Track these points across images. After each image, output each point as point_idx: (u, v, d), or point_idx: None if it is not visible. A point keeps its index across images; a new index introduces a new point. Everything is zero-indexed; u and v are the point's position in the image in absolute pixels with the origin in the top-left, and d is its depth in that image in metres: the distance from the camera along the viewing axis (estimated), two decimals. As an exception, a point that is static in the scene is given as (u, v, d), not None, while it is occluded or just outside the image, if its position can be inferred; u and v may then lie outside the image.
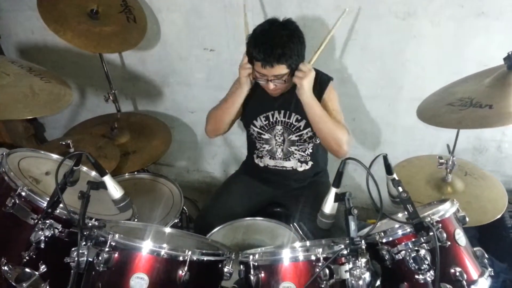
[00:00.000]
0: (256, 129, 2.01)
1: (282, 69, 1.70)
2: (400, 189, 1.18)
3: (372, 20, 2.17)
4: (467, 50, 2.12)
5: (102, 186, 1.25)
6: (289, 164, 2.04)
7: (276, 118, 1.96)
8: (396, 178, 1.22)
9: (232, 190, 2.11)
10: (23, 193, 1.32)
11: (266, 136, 2.01)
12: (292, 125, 1.96)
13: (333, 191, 1.19)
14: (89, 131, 2.40)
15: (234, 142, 2.92)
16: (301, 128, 1.95)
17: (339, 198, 1.17)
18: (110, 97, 2.48)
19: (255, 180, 2.12)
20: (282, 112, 1.95)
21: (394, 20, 2.13)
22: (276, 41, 1.67)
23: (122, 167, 2.14)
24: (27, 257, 1.27)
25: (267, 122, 1.98)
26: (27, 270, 1.20)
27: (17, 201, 1.31)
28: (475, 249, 1.30)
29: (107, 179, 1.26)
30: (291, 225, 1.81)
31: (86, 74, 2.91)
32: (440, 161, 1.70)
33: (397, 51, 2.23)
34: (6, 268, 1.21)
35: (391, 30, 2.17)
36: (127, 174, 2.15)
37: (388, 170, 1.22)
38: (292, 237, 1.74)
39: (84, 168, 1.73)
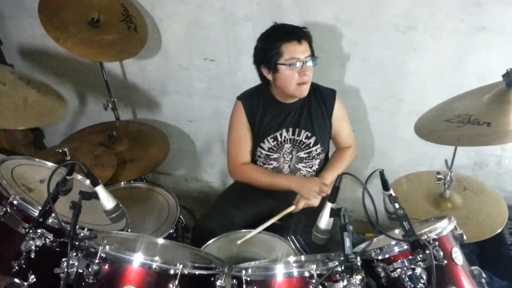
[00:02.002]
0: (264, 152, 1.98)
1: (308, 49, 1.77)
2: (397, 205, 1.16)
3: (373, 32, 2.17)
4: (467, 64, 2.11)
5: (94, 196, 1.23)
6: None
7: (284, 137, 1.94)
8: (393, 194, 1.20)
9: (231, 200, 2.07)
10: (15, 202, 1.31)
11: (275, 155, 1.98)
12: (302, 142, 1.94)
13: (328, 206, 1.17)
14: (86, 139, 2.40)
15: (233, 152, 2.90)
16: (311, 145, 1.94)
17: (334, 213, 1.15)
18: (109, 105, 2.47)
19: (256, 192, 2.07)
20: (291, 130, 1.93)
21: (395, 33, 2.13)
22: (289, 24, 1.82)
23: (118, 175, 2.13)
24: (16, 267, 1.25)
25: (275, 142, 1.95)
26: (16, 280, 1.18)
27: (9, 210, 1.30)
28: (472, 268, 1.28)
29: (100, 189, 1.24)
30: (287, 238, 1.79)
31: (86, 82, 2.92)
32: (438, 176, 1.68)
33: (398, 63, 2.22)
34: (-6, 278, 1.19)
35: (391, 42, 2.16)
36: (123, 182, 2.13)
37: (385, 185, 1.20)
38: (287, 251, 1.71)
39: (79, 177, 1.72)
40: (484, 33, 2.01)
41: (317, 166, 1.99)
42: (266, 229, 1.85)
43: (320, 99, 1.93)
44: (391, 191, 1.20)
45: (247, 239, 1.76)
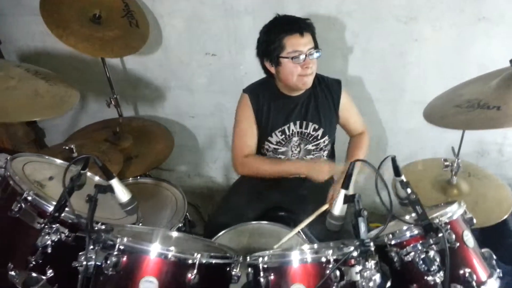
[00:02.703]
0: (272, 146, 1.98)
1: (311, 41, 1.76)
2: (409, 190, 1.18)
3: (374, 23, 2.19)
4: (468, 54, 2.13)
5: (110, 189, 1.24)
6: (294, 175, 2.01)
7: (292, 130, 1.94)
8: (404, 180, 1.22)
9: (241, 194, 2.08)
10: (29, 198, 1.31)
11: (283, 149, 1.98)
12: (309, 135, 1.94)
13: (342, 192, 1.19)
14: (91, 136, 2.40)
15: (236, 146, 2.91)
16: (319, 137, 1.94)
17: (348, 199, 1.17)
18: (112, 101, 2.47)
19: (265, 185, 2.07)
20: (298, 123, 1.93)
21: (395, 24, 2.15)
22: (292, 16, 1.79)
23: (125, 171, 2.14)
24: (33, 262, 1.25)
25: (283, 136, 1.95)
26: (34, 274, 1.19)
27: (23, 206, 1.30)
28: (483, 250, 1.31)
29: (115, 183, 1.25)
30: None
31: (86, 80, 2.91)
32: (445, 163, 1.71)
33: (399, 54, 2.25)
34: (13, 273, 1.20)
35: (392, 33, 2.19)
36: (130, 178, 2.14)
37: (396, 171, 1.22)
38: (298, 241, 1.73)
39: (88, 173, 1.72)
40: (484, 23, 2.04)
41: (325, 158, 2.01)
42: (275, 220, 1.87)
43: (326, 91, 1.94)
44: (403, 177, 1.22)
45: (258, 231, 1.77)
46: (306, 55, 1.73)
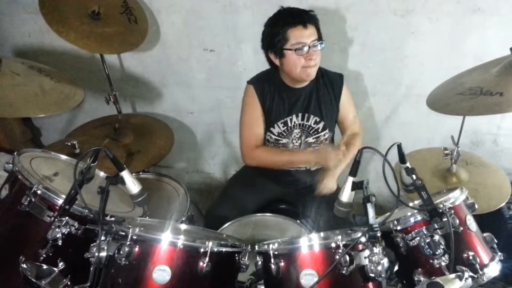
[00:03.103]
0: (274, 136, 2.00)
1: (314, 33, 1.77)
2: (414, 176, 1.21)
3: (371, 16, 2.22)
4: (464, 45, 2.18)
5: (121, 181, 1.26)
6: (303, 165, 2.04)
7: (294, 122, 1.96)
8: (410, 167, 1.25)
9: (240, 187, 2.11)
10: (39, 191, 1.32)
11: (284, 141, 2.00)
12: (311, 127, 1.97)
13: (350, 180, 1.22)
14: (91, 133, 2.40)
15: (235, 142, 2.93)
16: (319, 130, 1.97)
17: (356, 186, 1.20)
18: (111, 98, 2.47)
19: (265, 177, 2.10)
20: (300, 115, 1.95)
21: (393, 17, 2.19)
22: (296, 8, 1.81)
23: (127, 167, 2.12)
24: (44, 255, 1.27)
25: (285, 128, 1.97)
26: (46, 266, 1.20)
27: (33, 199, 1.31)
28: (484, 234, 1.35)
29: (125, 174, 1.26)
30: (298, 221, 1.84)
31: (83, 77, 2.89)
32: (446, 152, 1.75)
33: (396, 47, 2.28)
34: (24, 265, 1.21)
35: (390, 26, 2.22)
36: (133, 174, 2.14)
37: (402, 158, 1.25)
38: (302, 232, 1.76)
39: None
40: (479, 14, 2.08)
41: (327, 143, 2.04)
42: (276, 212, 1.90)
43: (329, 84, 1.96)
44: (408, 164, 1.25)
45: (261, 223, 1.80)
46: (309, 47, 1.75)
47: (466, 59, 2.16)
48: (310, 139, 1.99)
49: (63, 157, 1.70)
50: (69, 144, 1.94)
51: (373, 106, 2.53)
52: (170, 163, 3.19)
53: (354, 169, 1.22)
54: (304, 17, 1.76)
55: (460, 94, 1.41)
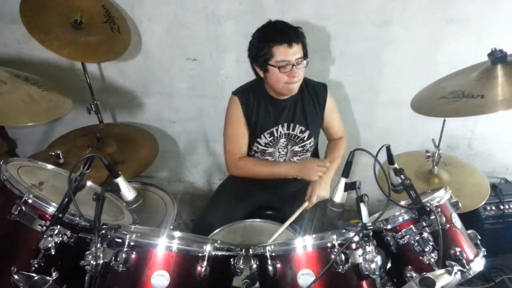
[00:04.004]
0: (260, 147, 2.02)
1: (300, 50, 1.78)
2: (403, 176, 1.27)
3: (351, 26, 2.30)
4: (438, 54, 2.28)
5: (116, 187, 1.25)
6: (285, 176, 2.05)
7: (280, 132, 1.99)
8: (398, 167, 1.30)
9: (229, 195, 2.12)
10: (30, 200, 1.30)
11: (270, 150, 2.03)
12: (296, 137, 2.00)
13: (342, 181, 1.26)
14: (73, 143, 2.37)
15: (217, 150, 2.95)
16: (305, 139, 2.01)
17: (349, 187, 1.24)
18: (93, 108, 2.45)
19: (250, 185, 2.12)
20: (286, 125, 1.98)
21: (371, 27, 2.27)
22: (285, 24, 1.82)
23: (111, 177, 2.11)
24: (36, 265, 1.25)
25: (271, 138, 1.99)
26: (40, 277, 1.18)
27: (24, 208, 1.29)
28: (469, 231, 1.41)
29: (121, 181, 1.26)
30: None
31: (62, 88, 2.84)
32: (427, 154, 1.82)
33: (374, 56, 2.37)
34: (16, 276, 1.18)
35: (368, 36, 2.30)
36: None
37: (390, 160, 1.31)
38: (291, 237, 1.79)
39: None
40: (452, 24, 2.19)
41: (310, 157, 2.08)
42: (267, 218, 1.93)
43: (313, 94, 2.00)
44: (396, 165, 1.31)
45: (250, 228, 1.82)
46: (293, 65, 1.77)
47: (440, 67, 2.25)
48: (296, 148, 2.03)
49: (50, 166, 1.67)
50: (53, 154, 1.91)
51: (354, 112, 2.61)
52: (152, 172, 3.16)
53: (346, 170, 1.26)
54: (290, 35, 1.76)
55: (443, 98, 1.49)
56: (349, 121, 2.63)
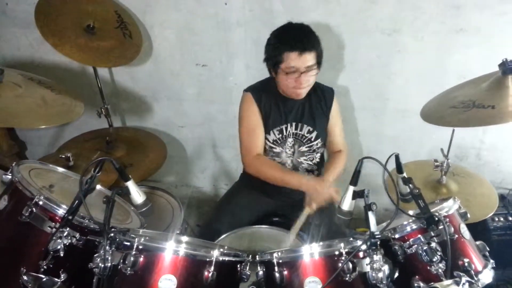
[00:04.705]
0: (268, 143, 2.01)
1: (312, 58, 1.76)
2: (412, 185, 1.27)
3: (360, 35, 2.31)
4: (448, 63, 2.28)
5: (126, 191, 1.27)
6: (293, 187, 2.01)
7: (289, 131, 2.00)
8: (406, 176, 1.30)
9: (236, 201, 2.12)
10: (40, 202, 1.31)
11: (278, 149, 2.03)
12: (304, 137, 2.01)
13: (351, 189, 1.26)
14: (83, 146, 2.39)
15: (225, 155, 2.96)
16: (312, 139, 2.01)
17: (357, 195, 1.24)
18: (103, 111, 2.47)
19: (256, 192, 2.12)
20: (294, 124, 1.99)
21: (380, 36, 2.28)
22: (303, 29, 1.79)
23: (119, 181, 2.13)
24: (45, 266, 1.26)
25: (280, 135, 1.99)
26: (48, 278, 1.19)
27: (34, 210, 1.30)
28: (477, 242, 1.40)
29: (131, 185, 1.27)
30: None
31: (73, 92, 2.87)
32: (436, 164, 1.82)
33: (383, 64, 2.37)
34: (25, 277, 1.19)
35: (378, 45, 2.31)
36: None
37: (399, 168, 1.30)
38: (297, 244, 1.78)
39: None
40: (462, 34, 2.19)
41: (318, 160, 2.08)
42: (274, 225, 1.93)
43: (321, 96, 2.02)
44: (404, 174, 1.31)
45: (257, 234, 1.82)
46: (301, 72, 1.77)
47: (449, 76, 2.27)
48: (303, 148, 2.03)
49: (60, 169, 1.69)
50: (63, 156, 1.93)
51: (362, 121, 2.61)
52: (159, 177, 3.18)
53: (354, 179, 1.26)
54: (304, 43, 1.74)
55: (453, 107, 1.49)
56: (355, 130, 2.63)
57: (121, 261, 1.17)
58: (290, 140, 2.01)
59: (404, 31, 2.24)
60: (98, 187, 1.76)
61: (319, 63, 1.83)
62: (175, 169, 3.14)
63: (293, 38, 1.75)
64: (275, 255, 1.25)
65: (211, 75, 2.63)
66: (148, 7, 2.48)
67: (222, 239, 1.81)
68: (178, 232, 1.96)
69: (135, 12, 2.50)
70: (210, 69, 2.61)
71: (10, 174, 1.41)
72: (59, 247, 1.26)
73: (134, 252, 1.16)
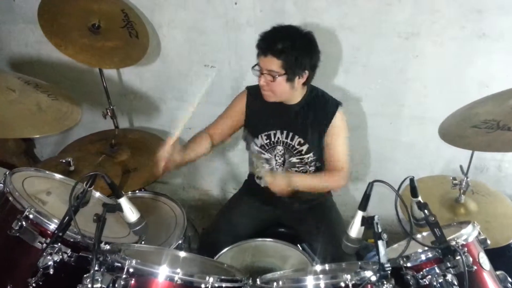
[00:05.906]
0: (256, 148, 1.96)
1: (275, 65, 1.70)
2: (427, 212, 1.16)
3: (375, 38, 2.19)
4: (468, 69, 2.15)
5: (118, 208, 1.19)
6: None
7: (278, 138, 1.92)
8: (422, 201, 1.20)
9: (235, 211, 2.07)
10: (31, 216, 1.25)
11: (267, 156, 1.97)
12: (294, 148, 1.92)
13: (359, 214, 1.16)
14: (86, 149, 2.33)
15: (233, 158, 2.88)
16: (303, 152, 1.91)
17: (366, 222, 1.14)
18: (109, 112, 2.41)
19: (257, 200, 2.06)
20: (285, 132, 1.90)
21: (397, 39, 2.16)
22: (280, 35, 1.73)
23: (123, 185, 2.08)
24: (34, 284, 1.20)
25: (268, 141, 1.93)
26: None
27: (24, 224, 1.24)
28: (497, 272, 1.29)
29: (124, 201, 1.20)
30: (299, 246, 1.79)
31: (81, 90, 2.84)
32: (454, 182, 1.70)
33: (399, 69, 2.25)
34: (12, 295, 1.14)
35: (393, 49, 2.19)
36: (129, 192, 2.08)
37: (414, 192, 1.20)
38: (303, 260, 1.70)
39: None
40: (484, 40, 2.05)
41: (313, 173, 1.98)
42: (275, 237, 1.85)
43: (322, 108, 1.88)
44: (420, 198, 1.20)
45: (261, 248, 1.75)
46: (262, 73, 1.76)
47: (470, 83, 2.14)
48: (294, 159, 1.94)
49: (58, 176, 1.63)
50: (63, 161, 1.87)
51: (374, 127, 2.49)
52: (167, 178, 3.12)
53: (363, 203, 1.16)
54: (271, 48, 1.70)
55: (475, 127, 1.36)
56: (369, 136, 2.52)
57: (111, 284, 1.10)
58: (279, 148, 1.93)
59: (422, 35, 2.11)
60: (98, 194, 1.71)
61: (288, 73, 1.71)
62: (183, 171, 3.08)
63: (264, 40, 1.76)
64: (275, 284, 1.16)
65: (220, 76, 2.54)
66: (156, 6, 2.41)
67: (224, 253, 1.74)
68: (180, 242, 1.90)
69: (143, 10, 2.43)
70: (219, 70, 2.53)
71: (2, 184, 1.35)
72: (49, 263, 1.21)
73: (124, 276, 1.09)
